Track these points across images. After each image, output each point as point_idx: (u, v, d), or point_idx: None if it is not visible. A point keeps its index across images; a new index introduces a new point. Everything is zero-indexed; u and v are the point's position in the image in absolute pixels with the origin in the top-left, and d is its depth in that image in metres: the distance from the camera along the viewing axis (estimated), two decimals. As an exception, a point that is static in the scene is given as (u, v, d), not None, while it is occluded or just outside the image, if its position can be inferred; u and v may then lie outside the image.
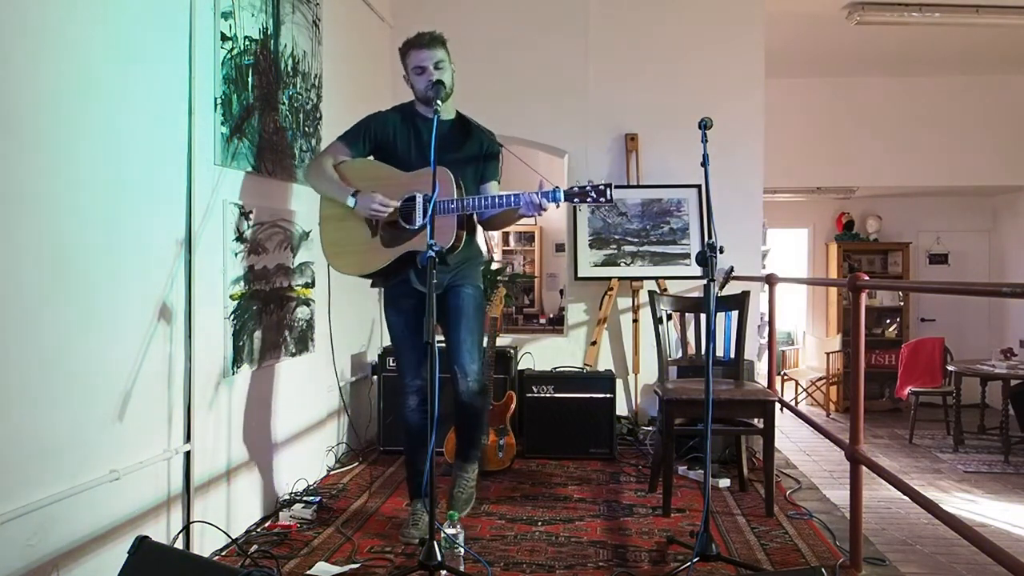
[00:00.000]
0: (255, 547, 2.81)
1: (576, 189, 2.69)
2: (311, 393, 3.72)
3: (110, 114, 2.30)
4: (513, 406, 3.98)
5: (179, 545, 2.58)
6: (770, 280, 4.01)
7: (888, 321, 9.18)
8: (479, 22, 4.91)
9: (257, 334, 3.11)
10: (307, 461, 3.66)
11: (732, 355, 3.60)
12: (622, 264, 4.78)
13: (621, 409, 4.70)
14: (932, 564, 4.33)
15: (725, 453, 4.00)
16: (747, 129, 4.87)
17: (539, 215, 2.76)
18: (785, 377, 9.14)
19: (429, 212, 2.55)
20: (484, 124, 3.11)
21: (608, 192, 2.66)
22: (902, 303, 9.14)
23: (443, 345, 2.88)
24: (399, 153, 2.95)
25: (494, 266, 5.37)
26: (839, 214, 9.37)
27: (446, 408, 2.54)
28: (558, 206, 2.77)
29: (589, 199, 2.67)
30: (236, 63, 2.95)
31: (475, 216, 2.96)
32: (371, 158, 3.02)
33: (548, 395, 4.21)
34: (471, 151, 3.01)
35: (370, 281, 3.04)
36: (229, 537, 2.83)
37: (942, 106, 7.79)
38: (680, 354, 3.78)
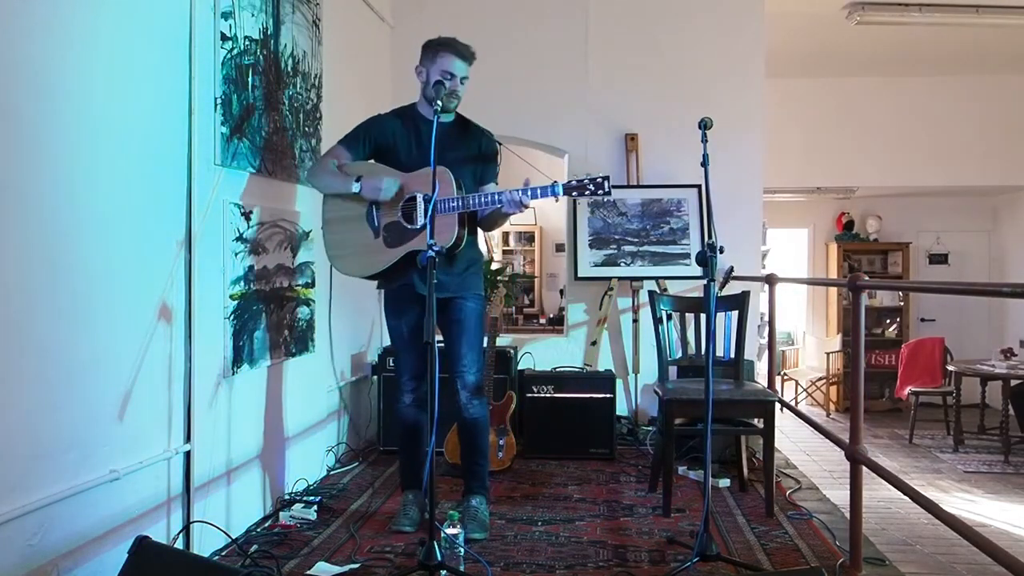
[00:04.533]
0: (255, 547, 2.81)
1: (574, 183, 2.73)
2: (311, 393, 3.72)
3: (109, 114, 2.30)
4: (513, 406, 3.98)
5: (179, 545, 2.58)
6: (770, 280, 4.01)
7: (888, 321, 9.18)
8: (479, 22, 4.90)
9: (257, 334, 3.11)
10: (307, 461, 3.66)
11: (732, 355, 3.60)
12: (622, 264, 4.78)
13: (621, 409, 4.69)
14: (932, 564, 4.33)
15: (725, 453, 3.99)
16: (747, 129, 4.86)
17: (521, 211, 2.82)
18: (785, 377, 9.14)
19: (429, 212, 2.56)
20: (484, 124, 3.14)
21: (606, 185, 2.69)
22: (902, 303, 9.14)
23: (442, 345, 2.89)
24: (400, 155, 2.97)
25: (494, 266, 5.38)
26: (839, 214, 9.37)
27: (444, 408, 2.54)
28: (557, 200, 2.79)
29: (587, 191, 2.70)
30: (236, 63, 2.95)
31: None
32: (372, 161, 3.03)
33: (548, 395, 4.21)
34: (470, 151, 3.03)
35: (375, 282, 3.05)
36: (229, 537, 2.83)
37: (942, 106, 7.79)
38: (680, 354, 3.78)
